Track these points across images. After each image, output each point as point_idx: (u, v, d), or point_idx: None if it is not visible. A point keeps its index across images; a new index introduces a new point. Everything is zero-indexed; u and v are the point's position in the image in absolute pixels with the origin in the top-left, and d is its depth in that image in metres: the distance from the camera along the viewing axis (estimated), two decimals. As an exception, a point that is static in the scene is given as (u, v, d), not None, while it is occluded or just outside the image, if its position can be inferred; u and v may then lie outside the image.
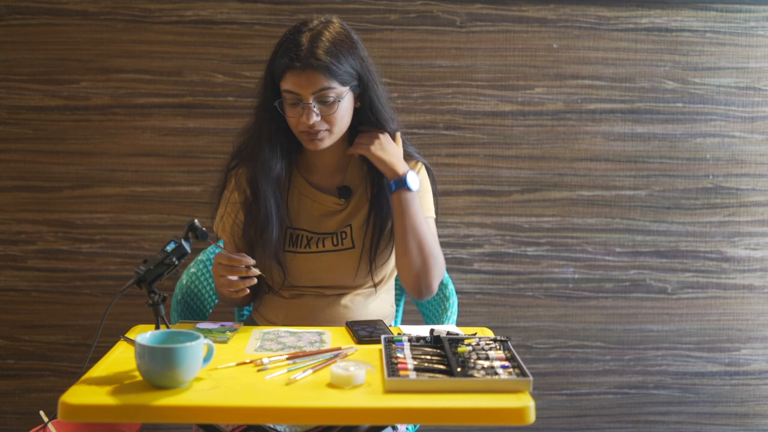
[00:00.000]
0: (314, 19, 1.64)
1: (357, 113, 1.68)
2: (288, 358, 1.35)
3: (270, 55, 1.64)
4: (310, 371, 1.29)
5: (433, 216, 1.78)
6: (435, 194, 1.79)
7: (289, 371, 1.29)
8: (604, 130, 2.45)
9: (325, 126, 1.61)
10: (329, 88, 1.58)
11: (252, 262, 1.54)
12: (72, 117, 2.38)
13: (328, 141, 1.65)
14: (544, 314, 2.51)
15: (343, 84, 1.60)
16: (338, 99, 1.60)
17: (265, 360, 1.33)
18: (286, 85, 1.59)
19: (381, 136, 1.68)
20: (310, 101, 1.58)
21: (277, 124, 1.67)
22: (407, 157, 1.76)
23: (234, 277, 1.54)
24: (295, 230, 1.73)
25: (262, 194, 1.67)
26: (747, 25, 2.43)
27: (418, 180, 1.67)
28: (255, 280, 1.55)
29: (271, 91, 1.64)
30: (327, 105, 1.60)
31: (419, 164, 1.77)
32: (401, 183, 1.64)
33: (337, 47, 1.58)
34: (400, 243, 1.67)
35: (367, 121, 1.69)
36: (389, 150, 1.68)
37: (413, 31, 2.38)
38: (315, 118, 1.59)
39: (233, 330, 1.53)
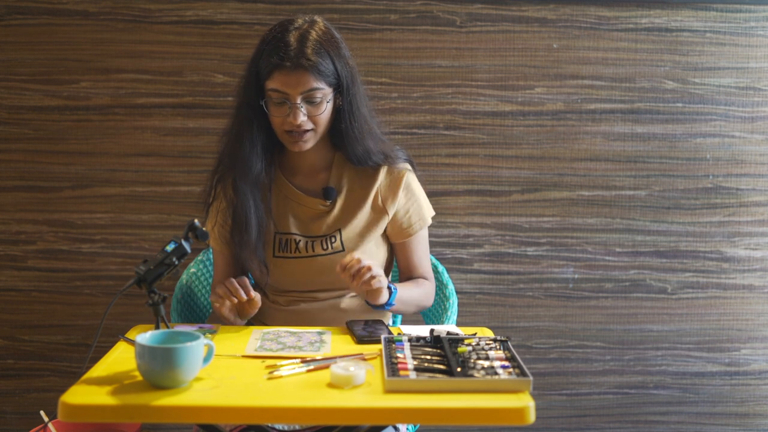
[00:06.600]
0: (298, 18, 1.63)
1: (337, 113, 1.67)
2: (302, 362, 1.33)
3: (253, 54, 1.64)
4: (302, 369, 1.29)
5: (429, 222, 1.78)
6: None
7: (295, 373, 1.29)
8: (604, 130, 2.45)
9: (310, 126, 1.62)
10: (317, 88, 1.58)
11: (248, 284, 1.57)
12: (72, 117, 2.38)
13: (311, 142, 1.65)
14: (544, 314, 2.51)
15: (329, 84, 1.61)
16: (325, 99, 1.60)
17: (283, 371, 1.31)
18: (274, 84, 1.59)
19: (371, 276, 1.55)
20: (298, 101, 1.58)
21: (258, 123, 1.66)
22: (392, 159, 1.73)
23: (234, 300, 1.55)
24: (284, 235, 1.72)
25: (242, 193, 1.66)
26: (747, 25, 2.43)
27: (395, 292, 1.63)
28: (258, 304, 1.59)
29: (255, 89, 1.63)
30: (314, 105, 1.60)
31: (406, 173, 1.75)
32: (388, 306, 1.63)
33: (324, 47, 1.59)
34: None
35: (346, 120, 1.66)
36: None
37: (413, 31, 2.38)
38: (302, 118, 1.59)
39: (212, 332, 1.53)
